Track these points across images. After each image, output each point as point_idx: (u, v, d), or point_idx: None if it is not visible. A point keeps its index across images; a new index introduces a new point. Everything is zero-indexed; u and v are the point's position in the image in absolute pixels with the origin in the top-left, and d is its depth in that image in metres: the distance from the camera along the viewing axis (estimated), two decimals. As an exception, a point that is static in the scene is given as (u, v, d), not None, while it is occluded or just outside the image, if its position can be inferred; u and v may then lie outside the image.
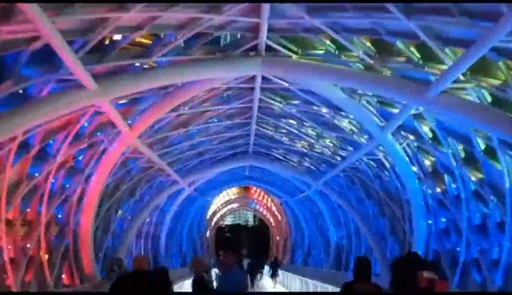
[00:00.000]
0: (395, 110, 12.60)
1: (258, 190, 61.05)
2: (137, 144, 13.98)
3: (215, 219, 61.80)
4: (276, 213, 56.00)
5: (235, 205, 63.05)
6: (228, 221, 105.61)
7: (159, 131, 15.89)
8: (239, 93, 15.18)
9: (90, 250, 14.80)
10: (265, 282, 31.24)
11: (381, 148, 15.09)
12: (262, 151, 22.76)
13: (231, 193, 62.01)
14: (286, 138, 19.92)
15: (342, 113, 14.45)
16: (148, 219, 24.09)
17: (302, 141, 19.73)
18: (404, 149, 13.17)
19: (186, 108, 14.59)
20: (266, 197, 59.63)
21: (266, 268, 33.87)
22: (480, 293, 11.56)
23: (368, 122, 12.88)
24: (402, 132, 13.21)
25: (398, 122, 12.40)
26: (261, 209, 61.87)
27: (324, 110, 14.68)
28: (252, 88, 13.86)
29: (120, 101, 12.47)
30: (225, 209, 62.22)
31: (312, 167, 22.08)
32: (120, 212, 19.38)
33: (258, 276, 29.52)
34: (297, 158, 22.29)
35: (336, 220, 25.46)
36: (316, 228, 30.86)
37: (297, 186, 27.98)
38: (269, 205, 58.59)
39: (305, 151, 20.15)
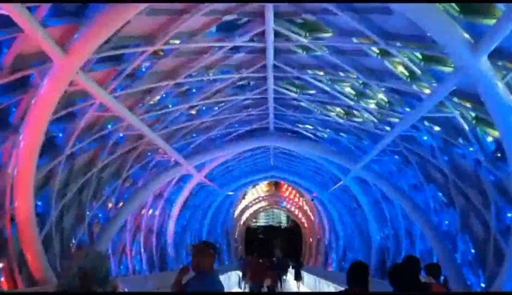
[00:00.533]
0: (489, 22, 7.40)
1: (290, 188, 56.15)
2: (80, 80, 9.02)
3: (243, 218, 57.17)
4: (309, 212, 50.66)
5: (264, 204, 58.10)
6: (260, 221, 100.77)
7: (135, 83, 11.35)
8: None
9: (35, 244, 10.39)
10: (291, 284, 26.48)
11: (455, 99, 9.81)
12: (285, 127, 17.76)
13: (260, 190, 57.34)
14: (314, 105, 14.89)
15: (398, 43, 9.33)
16: (150, 211, 19.72)
17: (335, 108, 14.66)
18: (507, 84, 7.81)
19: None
20: (297, 195, 54.48)
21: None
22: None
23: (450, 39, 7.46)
24: (500, 62, 7.94)
25: (495, 42, 7.16)
26: (292, 208, 56.63)
27: (372, 41, 9.41)
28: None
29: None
30: (254, 208, 57.42)
31: (350, 145, 16.84)
32: (103, 196, 14.99)
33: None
34: (329, 132, 17.09)
35: (379, 215, 20.07)
36: (354, 226, 25.42)
37: (331, 175, 22.81)
38: (301, 203, 53.32)
39: (340, 121, 14.95)
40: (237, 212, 51.38)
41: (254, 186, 53.82)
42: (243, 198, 52.49)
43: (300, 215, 55.22)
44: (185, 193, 20.13)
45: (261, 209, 61.32)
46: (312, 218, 48.51)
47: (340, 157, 17.19)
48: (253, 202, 55.00)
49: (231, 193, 40.79)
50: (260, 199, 55.64)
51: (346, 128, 15.58)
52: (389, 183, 16.16)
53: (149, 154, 16.18)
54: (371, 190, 19.21)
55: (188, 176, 19.42)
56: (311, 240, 51.61)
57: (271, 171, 28.21)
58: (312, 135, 17.74)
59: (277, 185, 58.45)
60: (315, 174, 25.47)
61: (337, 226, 31.36)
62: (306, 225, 53.94)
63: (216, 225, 36.19)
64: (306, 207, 51.79)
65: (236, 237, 51.68)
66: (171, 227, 20.58)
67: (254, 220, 73.04)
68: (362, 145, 15.98)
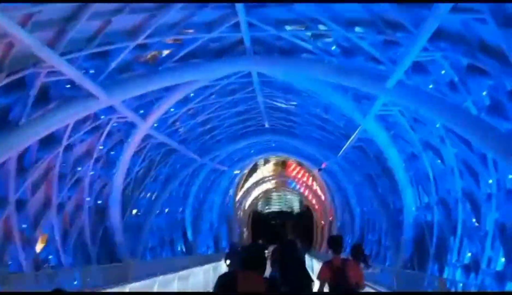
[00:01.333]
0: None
1: (298, 168, 49.54)
2: None
3: (248, 201, 50.81)
4: (319, 191, 44.03)
5: (271, 186, 51.57)
6: (268, 205, 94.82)
7: None
8: None
9: None
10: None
11: None
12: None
13: (265, 170, 50.82)
14: None
15: None
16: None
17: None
18: None
19: None
20: (306, 174, 47.82)
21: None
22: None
23: None
24: None
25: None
26: (301, 189, 50.02)
27: None
28: None
29: None
30: (260, 189, 50.95)
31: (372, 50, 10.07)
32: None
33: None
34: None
35: (417, 175, 13.34)
36: (375, 199, 18.72)
37: (342, 127, 16.16)
38: (310, 182, 46.65)
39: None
40: (240, 194, 45.04)
41: (254, 167, 47.60)
42: (245, 179, 46.16)
43: (310, 196, 48.61)
44: (129, 154, 13.53)
45: (269, 191, 54.77)
46: (323, 197, 41.86)
47: (357, 77, 10.35)
48: (260, 183, 48.53)
49: (237, 172, 34.64)
50: (266, 179, 49.15)
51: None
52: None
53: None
54: (404, 134, 12.53)
55: (133, 128, 12.95)
56: (322, 222, 45.00)
57: (267, 134, 21.56)
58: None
59: (284, 164, 51.99)
60: (320, 132, 18.75)
61: (351, 203, 24.64)
62: (316, 207, 47.30)
63: (207, 206, 29.76)
64: (315, 186, 45.16)
65: (239, 221, 45.30)
66: (113, 204, 14.14)
67: (260, 204, 66.77)
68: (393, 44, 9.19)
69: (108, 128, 12.12)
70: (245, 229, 50.23)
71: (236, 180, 38.88)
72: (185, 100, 14.45)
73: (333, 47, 10.69)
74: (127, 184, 15.85)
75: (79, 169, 12.40)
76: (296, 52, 10.88)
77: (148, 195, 18.51)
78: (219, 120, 17.86)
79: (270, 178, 48.76)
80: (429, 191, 12.91)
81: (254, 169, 48.62)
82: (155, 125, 14.77)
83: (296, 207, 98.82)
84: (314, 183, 45.49)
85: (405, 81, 9.27)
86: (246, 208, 50.38)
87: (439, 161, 11.78)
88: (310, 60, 10.75)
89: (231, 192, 38.76)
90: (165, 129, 15.29)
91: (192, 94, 14.37)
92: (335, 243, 4.81)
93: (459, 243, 11.03)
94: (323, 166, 24.38)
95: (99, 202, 14.64)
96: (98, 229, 14.24)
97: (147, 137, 14.96)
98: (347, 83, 10.59)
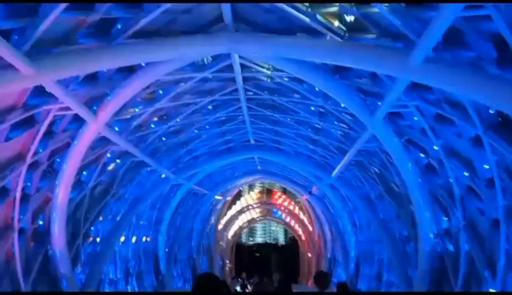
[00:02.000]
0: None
1: (283, 196, 46.62)
2: None
3: (231, 231, 47.25)
4: (306, 221, 40.99)
5: (255, 214, 48.24)
6: (253, 237, 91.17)
7: None
8: None
9: None
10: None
11: None
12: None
13: (250, 198, 47.73)
14: None
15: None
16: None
17: None
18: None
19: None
20: (291, 202, 44.89)
21: None
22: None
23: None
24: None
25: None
26: (287, 219, 46.85)
27: None
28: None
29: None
30: (244, 218, 47.56)
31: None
32: None
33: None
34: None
35: (436, 193, 10.58)
36: (374, 225, 15.92)
37: (340, 137, 13.54)
38: (296, 211, 43.63)
39: None
40: (222, 222, 41.64)
41: (238, 196, 44.49)
42: (229, 206, 42.92)
43: (296, 226, 45.44)
44: (76, 160, 10.44)
45: (253, 221, 51.33)
46: (310, 227, 38.80)
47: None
48: (244, 210, 45.23)
49: (219, 198, 31.49)
50: (250, 207, 45.95)
51: None
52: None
53: None
54: (420, 139, 9.91)
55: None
56: (309, 255, 41.70)
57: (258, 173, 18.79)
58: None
59: (269, 192, 49.03)
60: (312, 147, 16.09)
61: (345, 231, 21.73)
62: (303, 238, 44.06)
63: (184, 233, 26.45)
64: (302, 216, 42.15)
65: (220, 252, 41.65)
66: (56, 225, 10.91)
67: (244, 235, 63.16)
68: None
69: (46, 123, 9.20)
70: (227, 261, 46.46)
71: (218, 206, 35.72)
72: (152, 99, 11.71)
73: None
74: (79, 201, 12.76)
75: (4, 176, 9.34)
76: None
77: (110, 217, 15.33)
78: (197, 129, 15.09)
79: (255, 205, 45.60)
80: (452, 212, 10.18)
81: (237, 196, 45.56)
82: (116, 129, 11.92)
83: (281, 239, 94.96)
84: (301, 213, 42.59)
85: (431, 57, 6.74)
86: (229, 237, 46.81)
87: (467, 173, 9.15)
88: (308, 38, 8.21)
89: (212, 219, 35.50)
90: (129, 134, 12.41)
91: (161, 92, 11.65)
92: (321, 279, 4.66)
93: (500, 279, 8.24)
94: (314, 189, 21.61)
95: (41, 222, 11.50)
96: (35, 257, 11.03)
97: (105, 142, 12.03)
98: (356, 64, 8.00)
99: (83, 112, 9.53)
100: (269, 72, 10.97)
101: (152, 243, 20.93)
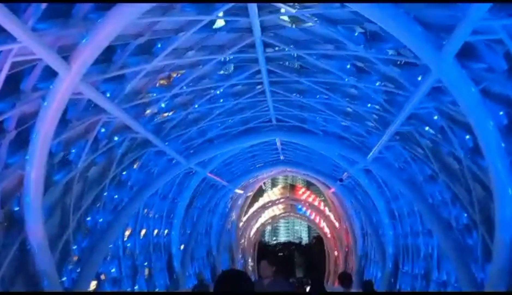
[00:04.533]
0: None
1: (307, 192, 43.71)
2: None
3: (253, 229, 44.61)
4: (332, 217, 37.94)
5: (278, 211, 45.40)
6: (277, 236, 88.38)
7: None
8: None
9: None
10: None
11: None
12: None
13: (272, 194, 45.00)
14: None
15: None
16: None
17: None
18: None
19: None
20: (316, 198, 41.91)
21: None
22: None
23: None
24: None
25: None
26: (312, 216, 43.83)
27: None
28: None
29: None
30: (266, 215, 44.78)
31: None
32: None
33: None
34: None
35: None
36: (423, 213, 12.97)
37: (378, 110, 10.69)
38: (321, 207, 40.60)
39: None
40: (244, 219, 39.07)
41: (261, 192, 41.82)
42: (251, 203, 40.30)
43: (321, 223, 42.39)
44: (50, 124, 7.85)
45: (274, 218, 48.53)
46: (337, 224, 35.76)
47: None
48: (266, 206, 42.48)
49: (240, 192, 28.83)
50: (273, 204, 43.14)
51: None
52: None
53: None
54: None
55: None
56: (336, 253, 38.61)
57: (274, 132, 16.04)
58: None
59: (292, 188, 46.19)
60: (344, 121, 13.28)
61: (381, 224, 18.72)
62: (329, 235, 40.99)
63: (202, 229, 24.02)
64: (327, 212, 39.12)
65: (242, 250, 39.08)
66: (31, 211, 8.46)
67: (267, 234, 60.44)
68: None
69: (4, 72, 6.87)
70: (250, 259, 43.84)
71: (240, 202, 33.17)
72: (147, 52, 9.20)
73: None
74: (67, 185, 10.40)
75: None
76: None
77: (110, 206, 12.94)
78: (208, 102, 12.54)
79: (277, 202, 42.80)
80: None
81: (260, 193, 43.03)
82: (108, 95, 9.51)
83: (305, 237, 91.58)
84: (326, 208, 39.57)
85: None
86: (251, 236, 44.20)
87: None
88: None
89: (233, 215, 32.97)
90: (124, 101, 9.97)
91: (159, 44, 9.15)
92: (344, 278, 5.49)
93: None
94: (344, 176, 18.75)
95: (16, 208, 9.18)
96: (7, 250, 8.71)
97: (94, 110, 9.65)
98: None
99: (53, 61, 7.10)
100: (294, 11, 8.28)
101: (165, 238, 18.52)
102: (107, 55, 8.49)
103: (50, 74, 7.67)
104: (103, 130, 10.73)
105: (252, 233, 44.23)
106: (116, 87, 9.47)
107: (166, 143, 13.15)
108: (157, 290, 16.88)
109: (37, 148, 8.12)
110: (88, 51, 7.28)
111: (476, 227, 10.07)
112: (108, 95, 9.51)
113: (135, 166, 13.23)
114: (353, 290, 5.60)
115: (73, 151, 10.18)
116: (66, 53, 7.40)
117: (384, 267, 18.46)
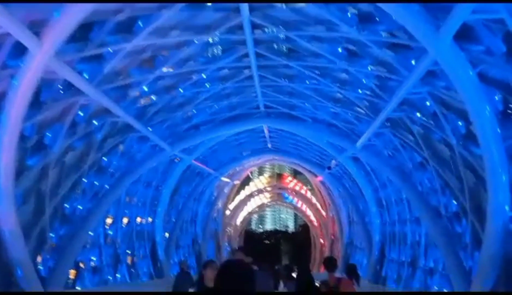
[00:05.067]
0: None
1: (294, 180, 43.59)
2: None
3: (240, 218, 44.40)
4: (319, 206, 37.92)
5: (265, 199, 45.21)
6: (263, 224, 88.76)
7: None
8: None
9: None
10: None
11: None
12: None
13: (259, 183, 44.75)
14: None
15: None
16: None
17: None
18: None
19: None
20: (303, 187, 41.83)
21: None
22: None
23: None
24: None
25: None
26: (298, 204, 43.78)
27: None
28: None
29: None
30: (253, 203, 44.54)
31: None
32: None
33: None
34: None
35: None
36: (412, 201, 12.80)
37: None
38: (308, 196, 40.58)
39: None
40: (230, 207, 38.76)
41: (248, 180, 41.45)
42: (237, 191, 39.94)
43: (307, 211, 42.39)
44: (20, 105, 7.27)
45: (261, 206, 48.39)
46: (324, 212, 35.75)
47: None
48: (253, 195, 42.19)
49: (226, 180, 28.37)
50: (260, 192, 42.89)
51: None
52: None
53: None
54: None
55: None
56: (321, 241, 38.73)
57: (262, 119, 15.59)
58: None
59: (279, 177, 46.04)
60: (334, 107, 12.93)
61: (369, 212, 18.57)
62: (315, 224, 41.05)
63: (187, 217, 23.62)
64: (314, 200, 39.11)
65: (228, 238, 38.88)
66: (2, 197, 7.87)
67: (254, 221, 60.42)
68: None
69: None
70: (236, 248, 43.76)
71: (226, 190, 32.79)
72: (127, 31, 8.61)
73: None
74: (43, 170, 9.82)
75: None
76: None
77: (90, 193, 12.38)
78: (194, 85, 12.00)
79: (264, 190, 42.59)
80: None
81: (247, 181, 42.67)
82: (86, 76, 8.92)
83: (291, 226, 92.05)
84: (313, 197, 39.55)
85: None
86: (237, 224, 43.99)
87: None
88: None
89: (219, 203, 32.60)
90: (102, 83, 9.38)
91: (141, 23, 8.56)
92: (329, 263, 5.49)
93: None
94: (333, 164, 18.50)
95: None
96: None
97: (71, 92, 9.05)
98: None
99: (20, 34, 6.50)
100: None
101: (149, 226, 18.04)
102: (84, 33, 7.90)
103: (20, 51, 7.06)
104: (81, 113, 10.15)
105: (238, 222, 44.01)
106: (94, 67, 8.88)
107: (150, 128, 12.61)
108: (140, 278, 16.46)
109: (7, 130, 7.53)
110: (61, 27, 6.70)
111: (466, 214, 9.88)
112: (86, 76, 8.93)
113: (116, 152, 12.66)
114: (338, 274, 5.80)
115: (49, 134, 9.57)
116: (37, 29, 6.80)
117: (370, 255, 18.36)
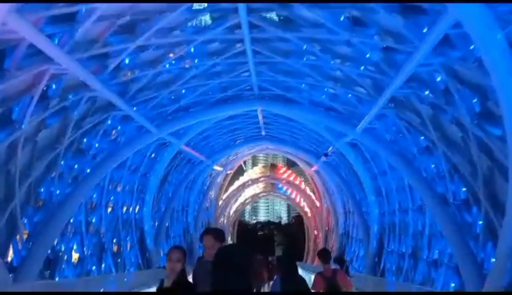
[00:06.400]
0: None
1: (288, 171, 42.64)
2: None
3: (233, 208, 43.45)
4: (313, 197, 37.07)
5: (258, 189, 44.27)
6: (257, 216, 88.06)
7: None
8: None
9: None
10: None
11: None
12: None
13: (253, 173, 43.82)
14: None
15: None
16: None
17: None
18: None
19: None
20: (297, 177, 40.90)
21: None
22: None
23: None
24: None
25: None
26: (292, 195, 42.90)
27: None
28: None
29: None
30: (246, 194, 43.59)
31: None
32: None
33: None
34: None
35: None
36: (416, 189, 11.87)
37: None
38: (302, 186, 39.70)
39: None
40: (223, 197, 37.80)
41: (241, 171, 40.47)
42: (230, 182, 38.94)
43: (301, 202, 41.55)
44: None
45: (255, 197, 47.48)
46: (318, 203, 34.91)
47: None
48: (247, 185, 41.21)
49: (219, 168, 27.29)
50: (253, 182, 41.92)
51: None
52: None
53: None
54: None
55: None
56: (315, 232, 37.94)
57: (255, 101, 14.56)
58: None
59: (273, 167, 45.06)
60: (333, 88, 11.91)
61: (366, 202, 17.68)
62: (309, 215, 40.23)
63: (178, 206, 22.61)
64: (308, 191, 38.26)
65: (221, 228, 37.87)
66: None
67: (247, 213, 59.63)
68: None
69: None
70: (229, 238, 42.86)
71: (219, 179, 31.80)
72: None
73: None
74: (10, 149, 8.73)
75: None
76: None
77: (68, 177, 11.31)
78: (180, 60, 10.89)
79: (258, 180, 41.63)
80: None
81: (240, 172, 41.74)
82: (56, 41, 7.80)
83: (285, 217, 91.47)
84: (307, 188, 38.69)
85: None
86: (230, 214, 43.08)
87: None
88: None
89: (212, 193, 31.62)
90: (79, 52, 8.25)
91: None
92: (323, 254, 5.41)
93: None
94: (329, 150, 17.53)
95: None
96: None
97: (42, 58, 7.93)
98: None
99: None
100: None
101: (137, 214, 17.00)
102: (51, -12, 6.78)
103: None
104: (53, 86, 9.03)
105: (231, 212, 43.11)
106: (65, 31, 7.76)
107: (134, 107, 11.51)
108: (127, 269, 15.46)
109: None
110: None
111: (478, 202, 8.96)
112: (55, 41, 7.82)
113: (98, 132, 11.55)
114: (332, 266, 5.67)
115: (16, 108, 8.46)
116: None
117: (367, 246, 17.51)
